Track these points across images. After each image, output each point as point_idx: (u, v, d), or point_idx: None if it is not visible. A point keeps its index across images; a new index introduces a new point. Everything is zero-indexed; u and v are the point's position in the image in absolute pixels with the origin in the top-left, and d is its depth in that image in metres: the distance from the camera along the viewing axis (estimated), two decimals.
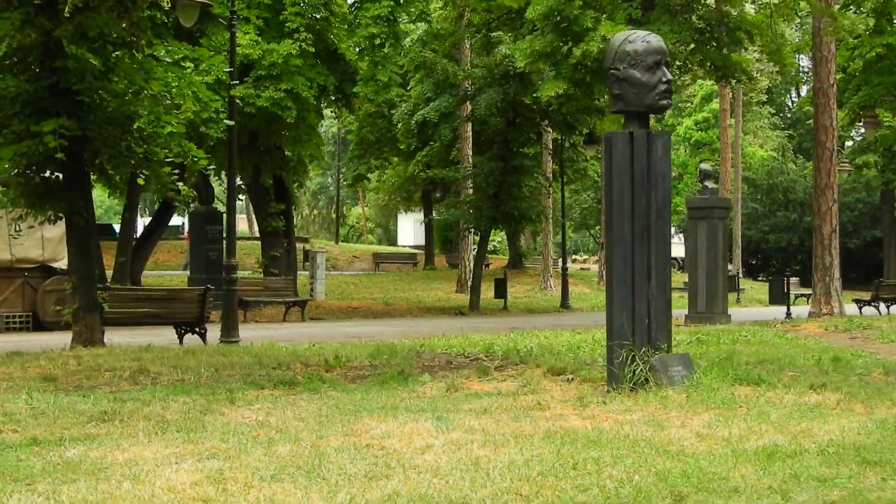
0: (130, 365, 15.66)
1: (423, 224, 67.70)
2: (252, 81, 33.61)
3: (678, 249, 61.73)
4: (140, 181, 21.96)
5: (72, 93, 19.54)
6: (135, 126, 20.10)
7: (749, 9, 33.84)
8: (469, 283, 46.98)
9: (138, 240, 40.13)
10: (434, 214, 63.47)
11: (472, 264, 47.96)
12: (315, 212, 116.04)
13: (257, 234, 59.08)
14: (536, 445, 8.93)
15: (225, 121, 22.61)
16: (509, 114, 39.85)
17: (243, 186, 39.08)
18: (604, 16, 29.98)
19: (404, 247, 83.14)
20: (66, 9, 18.58)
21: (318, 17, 36.00)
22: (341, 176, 75.54)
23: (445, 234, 68.07)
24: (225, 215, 39.44)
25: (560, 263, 55.33)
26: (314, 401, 11.90)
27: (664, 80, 12.25)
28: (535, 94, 34.31)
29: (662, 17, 29.69)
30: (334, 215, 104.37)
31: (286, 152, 37.76)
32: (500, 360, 15.51)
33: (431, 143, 54.99)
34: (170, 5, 21.48)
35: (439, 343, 19.67)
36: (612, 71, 12.36)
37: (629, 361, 11.98)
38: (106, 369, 15.28)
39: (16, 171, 19.52)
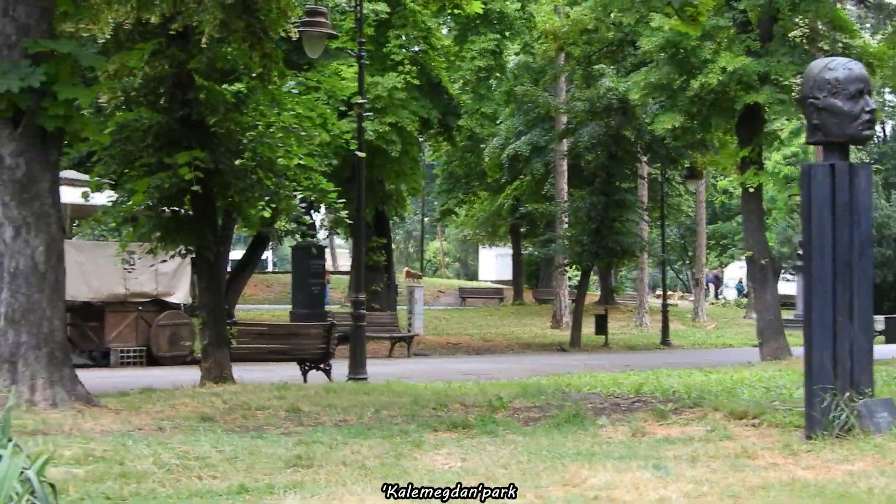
0: (279, 404, 15.22)
1: (511, 258, 67.11)
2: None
3: (790, 287, 60.40)
4: (266, 214, 21.56)
5: (203, 125, 19.25)
6: (265, 158, 19.76)
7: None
8: (564, 319, 46.45)
9: (231, 273, 39.83)
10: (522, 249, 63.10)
11: (566, 299, 47.42)
12: (391, 245, 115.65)
13: (343, 268, 58.87)
14: (783, 500, 8.31)
15: (357, 152, 22.23)
16: (612, 147, 39.23)
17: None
18: (722, 47, 29.31)
19: (485, 281, 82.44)
20: (203, 39, 18.29)
21: (416, 49, 35.71)
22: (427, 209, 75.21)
23: (531, 269, 67.38)
24: (326, 250, 39.18)
25: (652, 299, 54.68)
26: (498, 445, 11.32)
27: (867, 109, 11.60)
28: (649, 127, 33.67)
29: (781, 49, 28.97)
30: (411, 249, 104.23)
31: (386, 185, 37.41)
32: (673, 403, 14.85)
33: (522, 176, 54.53)
34: (297, 36, 21.12)
35: (580, 382, 19.09)
36: (810, 100, 11.71)
37: (833, 407, 11.30)
38: (256, 408, 14.83)
39: (145, 204, 19.21)
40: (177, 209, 19.84)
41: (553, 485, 9.01)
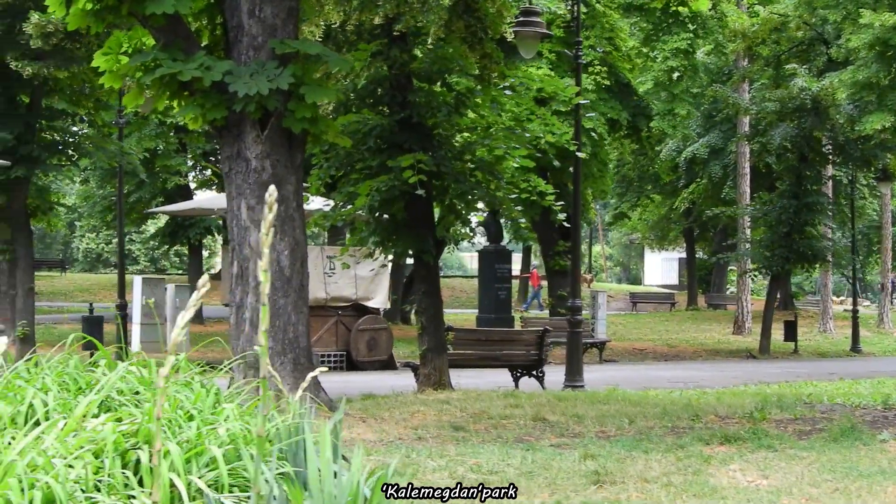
0: (520, 413, 14.78)
1: (677, 263, 65.92)
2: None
3: None
4: (479, 218, 21.24)
5: (422, 127, 18.94)
6: (485, 160, 19.38)
7: None
8: (747, 325, 45.43)
9: (407, 279, 39.68)
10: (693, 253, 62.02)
11: (749, 305, 46.38)
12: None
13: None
14: None
15: (577, 153, 21.78)
16: (804, 149, 38.04)
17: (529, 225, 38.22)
18: None
19: (650, 286, 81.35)
20: (429, 40, 18.05)
21: (600, 51, 35.12)
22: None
23: (701, 273, 66.16)
24: (517, 253, 38.75)
25: (830, 305, 53.19)
26: (786, 460, 10.71)
27: None
28: (856, 128, 32.54)
29: None
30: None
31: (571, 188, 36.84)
32: None
33: (698, 179, 53.51)
34: (512, 37, 20.75)
35: (816, 392, 18.40)
36: None
37: None
38: (500, 417, 14.40)
39: (366, 207, 18.96)
40: (393, 214, 19.62)
41: None
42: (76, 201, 64.24)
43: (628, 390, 19.52)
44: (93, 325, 26.08)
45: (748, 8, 42.42)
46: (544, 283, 51.10)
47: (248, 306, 14.05)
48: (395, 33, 18.34)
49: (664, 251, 79.08)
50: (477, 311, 36.94)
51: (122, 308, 26.81)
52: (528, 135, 19.53)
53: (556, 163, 21.64)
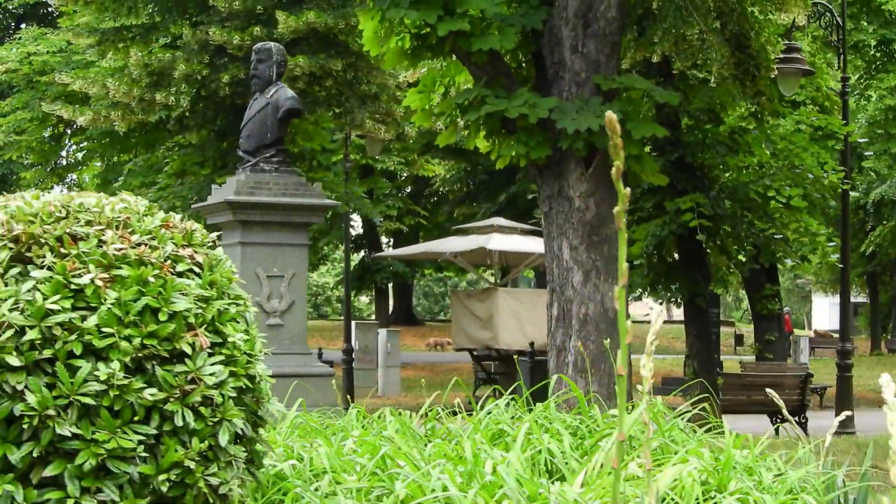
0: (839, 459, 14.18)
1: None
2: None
3: None
4: (740, 258, 20.72)
5: (692, 167, 18.53)
6: (757, 200, 18.92)
7: None
8: None
9: None
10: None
11: None
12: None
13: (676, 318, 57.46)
14: None
15: (850, 192, 21.18)
16: None
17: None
18: None
19: (819, 331, 79.70)
20: (712, 78, 17.68)
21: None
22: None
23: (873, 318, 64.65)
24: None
25: None
26: None
27: None
28: None
29: None
30: (729, 299, 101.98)
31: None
32: None
33: (885, 222, 52.20)
34: (774, 74, 20.26)
35: None
36: None
37: None
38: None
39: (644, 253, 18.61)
40: (663, 256, 19.22)
41: None
42: None
43: None
44: None
45: None
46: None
47: (571, 349, 13.68)
48: (673, 71, 18.00)
49: (835, 295, 77.53)
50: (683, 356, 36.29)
51: (349, 353, 26.63)
52: (810, 175, 18.98)
53: (833, 202, 20.98)
